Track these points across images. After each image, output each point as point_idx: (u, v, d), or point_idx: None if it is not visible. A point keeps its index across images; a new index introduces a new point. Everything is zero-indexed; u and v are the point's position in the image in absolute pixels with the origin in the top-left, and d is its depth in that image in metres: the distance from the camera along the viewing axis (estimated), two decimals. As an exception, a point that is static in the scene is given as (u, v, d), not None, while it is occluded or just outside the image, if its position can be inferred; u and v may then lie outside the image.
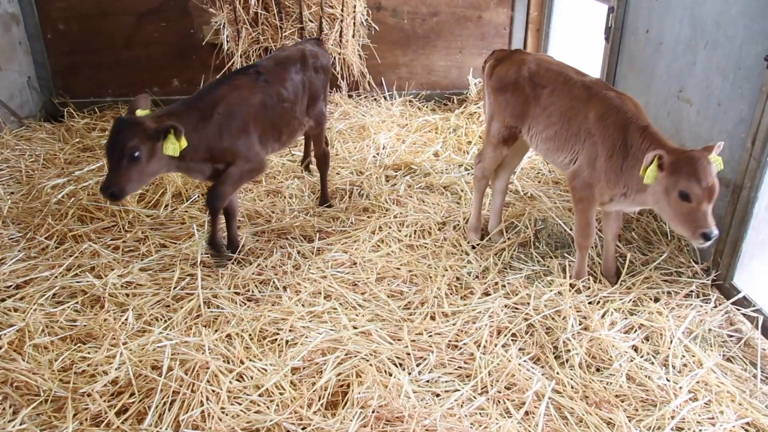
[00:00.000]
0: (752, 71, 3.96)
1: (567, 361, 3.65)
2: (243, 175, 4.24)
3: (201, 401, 3.22)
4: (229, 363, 3.51)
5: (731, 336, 3.89)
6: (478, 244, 4.77)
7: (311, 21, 6.39)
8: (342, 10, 6.41)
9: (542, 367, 3.61)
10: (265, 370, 3.48)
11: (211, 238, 4.36)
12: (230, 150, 4.10)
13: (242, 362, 3.51)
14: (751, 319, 3.92)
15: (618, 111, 3.89)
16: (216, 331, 3.78)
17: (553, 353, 3.70)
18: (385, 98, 7.21)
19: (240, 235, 4.68)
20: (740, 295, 4.05)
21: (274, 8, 6.24)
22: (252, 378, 3.43)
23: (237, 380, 3.41)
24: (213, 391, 3.30)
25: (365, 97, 7.15)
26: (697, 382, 3.48)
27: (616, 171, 3.87)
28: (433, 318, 3.96)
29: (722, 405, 3.35)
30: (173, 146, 3.75)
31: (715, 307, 4.07)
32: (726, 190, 4.18)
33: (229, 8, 6.22)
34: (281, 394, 3.32)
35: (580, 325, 3.89)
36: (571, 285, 4.18)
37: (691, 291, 4.20)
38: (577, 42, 6.43)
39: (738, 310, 4.02)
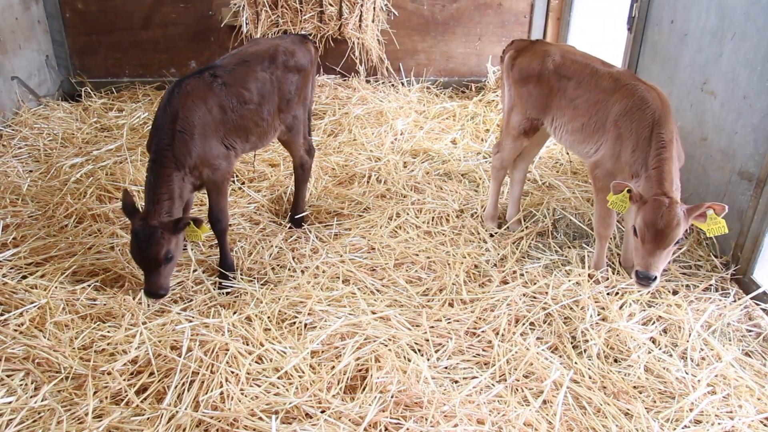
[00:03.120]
0: (780, 64, 3.92)
1: (585, 351, 3.64)
2: (221, 183, 4.03)
3: (220, 382, 3.24)
4: (248, 345, 3.52)
5: (750, 330, 3.88)
6: (495, 233, 4.74)
7: (331, 5, 6.36)
8: (362, -6, 6.38)
9: (560, 356, 3.61)
10: (285, 353, 3.49)
11: (225, 260, 4.18)
12: (199, 162, 3.86)
13: (261, 344, 3.53)
14: (769, 315, 3.91)
15: (645, 107, 3.81)
16: (235, 312, 3.79)
17: (571, 343, 3.70)
18: (402, 84, 7.18)
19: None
20: (760, 290, 4.02)
21: (294, -10, 6.23)
22: (271, 360, 3.44)
23: (256, 362, 3.43)
24: (232, 372, 3.32)
25: (383, 82, 7.11)
26: (716, 376, 3.47)
27: (639, 165, 3.80)
28: (451, 305, 3.96)
29: (741, 399, 3.34)
30: (196, 234, 3.69)
31: (735, 301, 4.05)
32: (749, 184, 4.15)
33: (245, -9, 6.20)
34: (300, 377, 3.33)
35: (598, 315, 3.88)
36: (589, 275, 4.17)
37: (710, 284, 4.19)
38: (599, 31, 6.37)
39: (757, 304, 4.01)
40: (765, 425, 3.22)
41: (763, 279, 4.09)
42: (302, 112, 4.51)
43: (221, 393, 3.19)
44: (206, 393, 3.18)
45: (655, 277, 3.49)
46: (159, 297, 3.74)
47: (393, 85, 7.13)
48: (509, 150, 4.71)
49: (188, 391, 3.21)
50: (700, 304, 3.99)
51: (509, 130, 4.65)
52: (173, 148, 3.73)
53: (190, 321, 3.64)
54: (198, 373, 3.29)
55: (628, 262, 4.37)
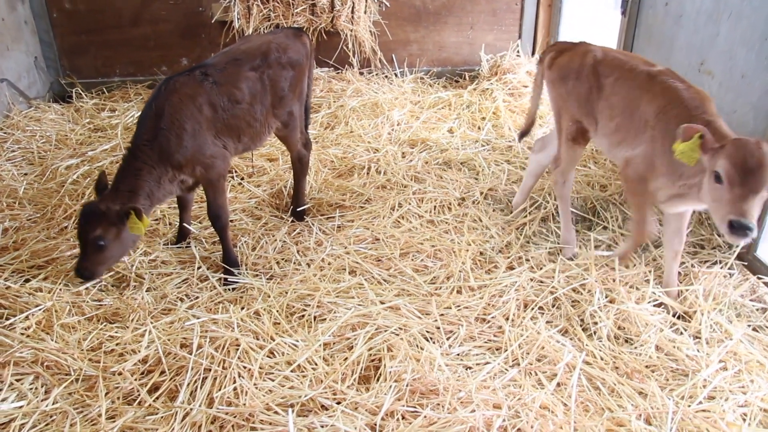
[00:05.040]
0: (777, 41, 3.93)
1: (595, 333, 3.65)
2: (216, 181, 3.98)
3: (233, 378, 3.22)
4: (258, 339, 3.50)
5: (756, 306, 3.89)
6: (571, 259, 4.35)
7: (323, -3, 6.33)
8: (354, -14, 6.35)
9: (571, 339, 3.61)
10: (296, 346, 3.47)
11: (229, 256, 4.14)
12: (189, 160, 3.81)
13: (272, 338, 3.51)
14: (778, 291, 3.93)
15: (681, 104, 3.53)
16: (243, 308, 3.76)
17: (581, 326, 3.70)
18: (396, 75, 7.15)
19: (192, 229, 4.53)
20: (766, 267, 4.04)
21: (285, -18, 6.18)
22: (283, 354, 3.42)
23: (268, 356, 3.41)
24: (245, 367, 3.29)
25: (377, 74, 7.08)
26: (727, 353, 3.49)
27: (675, 169, 3.51)
28: (459, 292, 3.95)
29: (752, 374, 3.36)
30: (137, 227, 3.64)
31: (741, 279, 4.07)
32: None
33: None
34: (314, 369, 3.32)
35: (606, 298, 3.89)
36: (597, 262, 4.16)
37: (715, 262, 4.20)
38: (591, 17, 6.37)
39: (761, 280, 4.02)
40: (778, 399, 3.26)
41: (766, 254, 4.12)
42: (298, 107, 4.47)
43: (234, 389, 3.16)
44: (220, 389, 3.15)
45: (753, 227, 3.02)
46: (82, 278, 3.76)
47: (387, 76, 7.11)
48: (566, 160, 4.41)
49: (201, 388, 3.18)
50: (706, 282, 4.00)
51: (560, 137, 4.42)
52: (153, 144, 3.71)
53: (198, 318, 3.61)
54: (210, 370, 3.26)
55: (669, 294, 3.98)
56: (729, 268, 4.14)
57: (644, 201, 3.79)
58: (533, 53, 7.29)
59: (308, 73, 4.57)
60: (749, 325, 3.73)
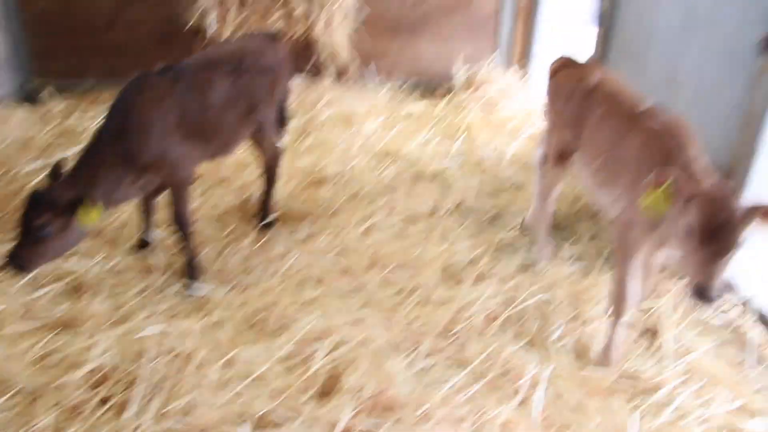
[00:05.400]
0: (747, 57, 3.92)
1: (562, 347, 3.59)
2: (181, 185, 3.86)
3: (188, 390, 3.12)
4: (216, 350, 3.40)
5: (720, 323, 3.86)
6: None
7: (300, 5, 6.25)
8: (331, -7, 6.29)
9: (537, 353, 3.55)
10: (255, 358, 3.37)
11: (191, 264, 4.00)
12: (154, 162, 3.68)
13: (231, 350, 3.40)
14: (740, 308, 3.89)
15: (662, 140, 3.27)
16: (202, 317, 3.66)
17: (548, 340, 3.64)
18: (372, 86, 7.09)
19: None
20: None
21: (261, -11, 6.11)
22: (241, 365, 3.32)
23: (225, 368, 3.30)
24: (200, 379, 3.19)
25: (353, 85, 7.01)
26: (691, 368, 3.45)
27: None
28: (425, 305, 3.88)
29: (716, 388, 3.33)
30: (88, 217, 3.39)
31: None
32: (721, 173, 4.14)
33: (218, -8, 6.07)
34: (272, 381, 3.22)
35: (574, 312, 3.84)
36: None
37: (681, 278, 4.17)
38: (567, 30, 6.37)
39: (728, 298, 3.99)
40: (741, 411, 3.21)
41: (733, 272, 4.08)
42: (271, 113, 4.39)
43: (189, 401, 3.06)
44: (173, 401, 3.05)
45: (720, 292, 2.83)
46: (14, 268, 3.41)
47: (363, 86, 7.04)
48: (551, 177, 4.30)
49: (153, 400, 3.07)
50: (673, 298, 3.95)
51: (548, 153, 4.31)
52: (116, 142, 3.58)
53: (154, 327, 3.49)
54: (164, 382, 3.16)
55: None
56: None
57: (625, 256, 3.41)
58: (510, 65, 7.27)
59: (283, 80, 4.49)
60: (714, 342, 3.70)
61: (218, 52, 4.20)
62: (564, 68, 4.18)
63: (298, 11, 6.26)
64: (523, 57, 7.31)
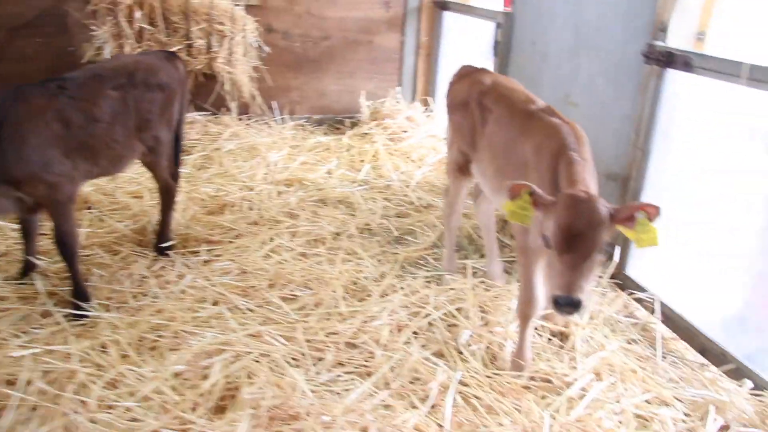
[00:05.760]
0: (632, 68, 4.09)
1: (472, 354, 3.50)
2: (63, 203, 3.60)
3: (64, 413, 2.82)
4: (100, 371, 3.12)
5: (630, 321, 3.90)
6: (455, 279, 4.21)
7: (200, 38, 6.16)
8: (232, 28, 6.22)
9: (446, 362, 3.44)
10: (144, 377, 3.11)
11: (78, 289, 3.72)
12: (29, 177, 3.42)
13: (117, 370, 3.13)
14: (647, 306, 3.95)
15: (553, 138, 3.18)
16: (87, 341, 3.37)
17: (456, 349, 3.54)
18: (276, 122, 7.01)
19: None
20: (635, 282, 4.11)
21: (160, 23, 5.97)
22: (128, 385, 3.05)
23: (110, 388, 3.02)
24: (81, 401, 2.90)
25: (256, 120, 6.91)
26: (602, 365, 3.42)
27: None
28: (328, 319, 3.72)
29: (627, 383, 3.31)
30: None
31: (614, 297, 4.07)
32: (615, 184, 4.25)
33: (112, 22, 5.88)
34: (162, 399, 2.96)
35: (482, 320, 3.77)
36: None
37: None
38: (467, 62, 6.50)
39: (632, 296, 4.05)
40: (649, 404, 3.20)
41: (636, 273, 4.16)
42: (166, 133, 4.18)
43: (65, 424, 2.76)
44: (47, 424, 2.74)
45: (581, 302, 2.65)
46: None
47: (266, 123, 6.96)
48: (453, 191, 4.23)
49: (23, 426, 2.76)
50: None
51: (447, 166, 4.25)
52: None
53: (29, 351, 3.18)
54: (37, 408, 2.86)
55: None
56: (602, 287, 4.16)
57: (526, 259, 3.34)
58: (413, 99, 7.38)
59: (181, 100, 4.31)
60: (625, 339, 3.71)
61: (109, 65, 4.01)
62: (460, 79, 4.18)
63: (199, 43, 6.15)
64: (426, 91, 7.45)
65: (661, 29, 3.86)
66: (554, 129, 3.24)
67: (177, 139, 4.38)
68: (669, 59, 3.75)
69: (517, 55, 5.47)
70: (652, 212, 2.73)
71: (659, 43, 3.84)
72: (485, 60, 5.89)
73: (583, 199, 2.73)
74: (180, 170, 4.45)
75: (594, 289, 4.08)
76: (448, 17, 7.10)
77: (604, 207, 2.73)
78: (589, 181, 2.97)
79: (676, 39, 3.85)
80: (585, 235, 2.66)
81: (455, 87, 4.15)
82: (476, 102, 3.84)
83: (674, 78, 3.81)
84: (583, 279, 2.68)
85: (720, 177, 3.64)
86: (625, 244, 4.19)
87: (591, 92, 4.51)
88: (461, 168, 4.10)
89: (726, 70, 3.38)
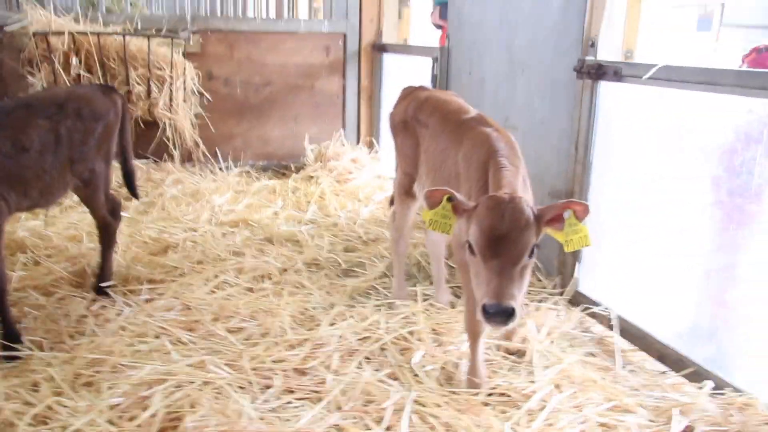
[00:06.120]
0: (566, 85, 4.18)
1: (427, 374, 3.38)
2: None
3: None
4: (30, 407, 2.90)
5: (587, 336, 3.85)
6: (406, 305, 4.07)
7: (138, 84, 6.09)
8: (171, 72, 6.18)
9: (401, 383, 3.31)
10: (77, 411, 2.90)
11: (7, 329, 3.51)
12: None
13: (49, 407, 2.91)
14: (602, 319, 3.92)
15: (483, 144, 3.11)
16: (18, 376, 3.16)
17: (411, 372, 3.43)
18: (220, 169, 6.92)
19: None
20: (588, 297, 4.08)
21: (98, 69, 5.90)
22: (58, 420, 2.84)
23: (41, 424, 2.81)
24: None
25: (200, 168, 6.81)
26: (561, 377, 3.34)
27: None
28: (275, 348, 3.57)
29: (588, 393, 3.22)
30: None
31: (568, 312, 4.04)
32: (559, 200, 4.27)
33: (48, 69, 5.78)
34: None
35: (435, 342, 3.68)
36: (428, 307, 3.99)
37: (542, 300, 4.17)
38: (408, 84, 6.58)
39: (587, 311, 4.02)
40: (613, 411, 3.11)
41: (588, 289, 4.15)
42: (103, 166, 4.05)
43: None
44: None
45: (513, 310, 2.46)
46: None
47: (211, 171, 6.86)
48: (400, 215, 4.13)
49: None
50: (537, 318, 3.91)
51: (395, 189, 4.17)
52: None
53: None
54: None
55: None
56: (555, 304, 4.12)
57: (464, 271, 3.12)
58: (358, 142, 7.41)
59: (122, 133, 4.20)
60: (584, 353, 3.66)
61: (39, 95, 3.91)
62: (401, 100, 4.18)
63: (138, 90, 6.08)
64: (370, 132, 7.51)
65: (591, 44, 3.98)
66: (483, 136, 3.17)
67: (128, 173, 4.27)
68: (599, 71, 3.85)
69: (456, 86, 5.56)
70: (580, 210, 2.63)
71: (589, 57, 3.95)
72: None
73: (505, 200, 2.59)
74: (119, 206, 4.30)
75: (550, 307, 4.05)
76: (387, 59, 7.22)
77: (528, 207, 2.60)
78: (518, 187, 2.87)
79: (606, 53, 3.97)
80: (510, 237, 2.51)
81: (396, 109, 4.15)
82: (413, 119, 3.80)
83: (607, 90, 3.90)
84: (513, 285, 2.51)
85: (662, 183, 3.68)
86: (575, 258, 4.19)
87: (529, 112, 4.59)
88: (407, 191, 4.05)
89: (655, 75, 3.47)
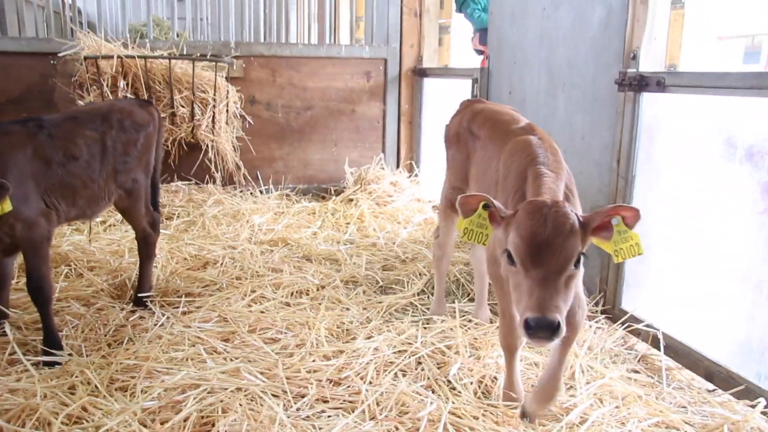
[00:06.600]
0: (607, 99, 4.13)
1: (464, 387, 3.30)
2: (39, 243, 3.49)
3: (24, 449, 2.61)
4: (66, 407, 2.91)
5: (630, 353, 3.74)
6: (443, 320, 3.98)
7: (183, 106, 6.23)
8: (214, 95, 6.31)
9: (436, 394, 3.24)
10: (111, 412, 2.90)
11: (50, 336, 3.56)
12: (8, 214, 3.27)
13: (84, 408, 2.92)
14: (646, 337, 3.78)
15: (523, 155, 2.92)
16: (55, 379, 3.18)
17: (447, 384, 3.35)
18: (261, 192, 6.99)
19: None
20: (630, 315, 3.93)
21: (144, 92, 6.05)
22: (92, 420, 2.84)
23: (74, 423, 2.82)
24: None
25: (241, 191, 6.89)
26: (603, 391, 3.23)
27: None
28: (311, 358, 3.53)
29: (630, 408, 3.09)
30: None
31: (611, 330, 3.91)
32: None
33: (96, 92, 5.96)
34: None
35: (472, 356, 3.60)
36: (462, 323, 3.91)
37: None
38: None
39: (629, 329, 3.87)
40: (659, 426, 2.98)
41: (630, 305, 4.02)
42: (143, 177, 4.15)
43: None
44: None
45: (558, 324, 2.23)
46: None
47: (251, 193, 6.93)
48: (444, 231, 4.00)
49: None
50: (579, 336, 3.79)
51: (439, 205, 4.05)
52: None
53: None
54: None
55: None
56: (597, 322, 4.00)
57: (497, 283, 3.08)
58: (397, 166, 7.42)
59: (156, 146, 4.30)
60: (626, 369, 3.53)
61: (83, 109, 4.03)
62: (458, 113, 4.01)
63: (182, 112, 6.21)
64: (410, 156, 7.51)
65: (632, 57, 3.92)
66: (524, 143, 2.99)
67: (154, 186, 4.33)
68: (642, 82, 3.78)
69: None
70: (630, 216, 2.40)
71: (631, 70, 3.89)
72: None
73: (547, 204, 2.39)
74: (158, 219, 4.36)
75: (592, 325, 3.94)
76: (428, 83, 7.26)
77: (572, 212, 2.39)
78: (559, 195, 2.68)
79: (648, 66, 3.91)
80: (553, 244, 2.30)
81: (452, 121, 3.98)
82: (466, 130, 3.66)
83: (650, 101, 3.83)
84: (557, 296, 2.28)
85: (709, 193, 3.57)
86: (618, 276, 4.08)
87: (570, 129, 4.53)
88: (453, 205, 3.95)
89: (699, 83, 3.40)
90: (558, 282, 2.29)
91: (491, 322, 4.06)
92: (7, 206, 3.16)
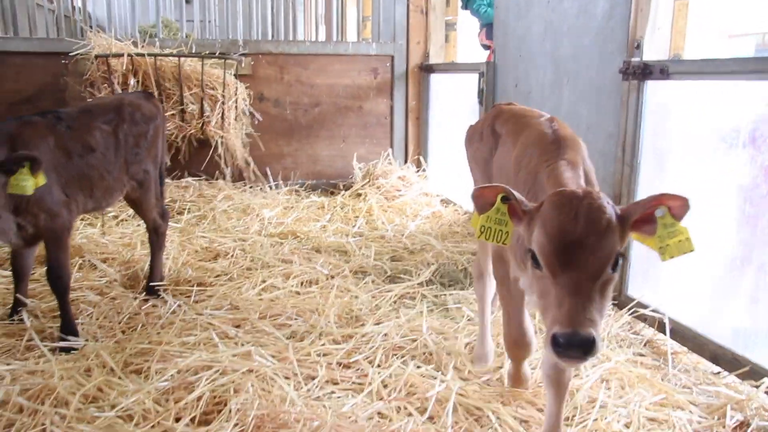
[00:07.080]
0: (612, 88, 4.17)
1: (471, 372, 3.35)
2: (60, 233, 3.58)
3: (43, 426, 2.69)
4: (78, 388, 2.99)
5: (636, 337, 3.78)
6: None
7: (192, 103, 6.32)
8: (223, 92, 6.39)
9: (444, 376, 3.28)
10: (126, 392, 2.97)
11: (67, 324, 3.65)
12: (32, 204, 3.39)
13: (99, 389, 3.00)
14: (652, 322, 3.82)
15: (538, 146, 2.63)
16: (74, 361, 3.27)
17: (455, 368, 3.40)
18: (270, 188, 7.07)
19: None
20: (636, 302, 3.96)
21: (154, 89, 6.14)
22: (107, 399, 2.92)
23: (91, 402, 2.89)
24: (60, 414, 2.77)
25: (250, 186, 6.96)
26: (610, 374, 3.27)
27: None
28: (320, 342, 3.59)
29: (635, 388, 3.14)
30: (25, 183, 3.16)
31: (617, 316, 3.95)
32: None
33: (107, 90, 6.05)
34: (143, 411, 2.82)
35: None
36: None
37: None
38: (456, 116, 6.64)
39: (635, 314, 3.92)
40: (664, 405, 3.03)
41: (636, 291, 4.06)
42: (153, 168, 4.23)
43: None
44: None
45: (593, 341, 1.85)
46: None
47: (261, 188, 7.01)
48: (479, 248, 3.54)
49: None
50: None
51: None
52: None
53: (9, 368, 3.09)
54: (14, 423, 2.72)
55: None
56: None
57: (504, 289, 2.92)
58: (405, 161, 7.47)
59: (161, 135, 4.38)
60: (633, 353, 3.57)
61: (94, 102, 4.12)
62: (487, 115, 3.63)
63: (191, 109, 6.29)
64: (417, 151, 7.57)
65: (636, 46, 3.97)
66: (539, 134, 2.72)
67: (159, 177, 4.41)
68: (645, 71, 3.83)
69: (502, 99, 5.58)
70: (678, 206, 2.04)
71: (635, 59, 3.94)
72: (473, 110, 6.03)
73: (578, 195, 2.02)
74: (167, 210, 4.45)
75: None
76: (435, 79, 7.32)
77: (609, 204, 2.02)
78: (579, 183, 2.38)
79: (652, 54, 3.95)
80: (587, 243, 1.93)
81: (477, 122, 3.62)
82: (489, 127, 3.30)
83: (654, 89, 3.87)
84: (592, 307, 1.90)
85: (714, 178, 3.61)
86: (625, 262, 4.10)
87: (575, 120, 4.57)
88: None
89: (702, 69, 3.44)
90: (592, 289, 1.93)
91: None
92: (41, 180, 3.25)
